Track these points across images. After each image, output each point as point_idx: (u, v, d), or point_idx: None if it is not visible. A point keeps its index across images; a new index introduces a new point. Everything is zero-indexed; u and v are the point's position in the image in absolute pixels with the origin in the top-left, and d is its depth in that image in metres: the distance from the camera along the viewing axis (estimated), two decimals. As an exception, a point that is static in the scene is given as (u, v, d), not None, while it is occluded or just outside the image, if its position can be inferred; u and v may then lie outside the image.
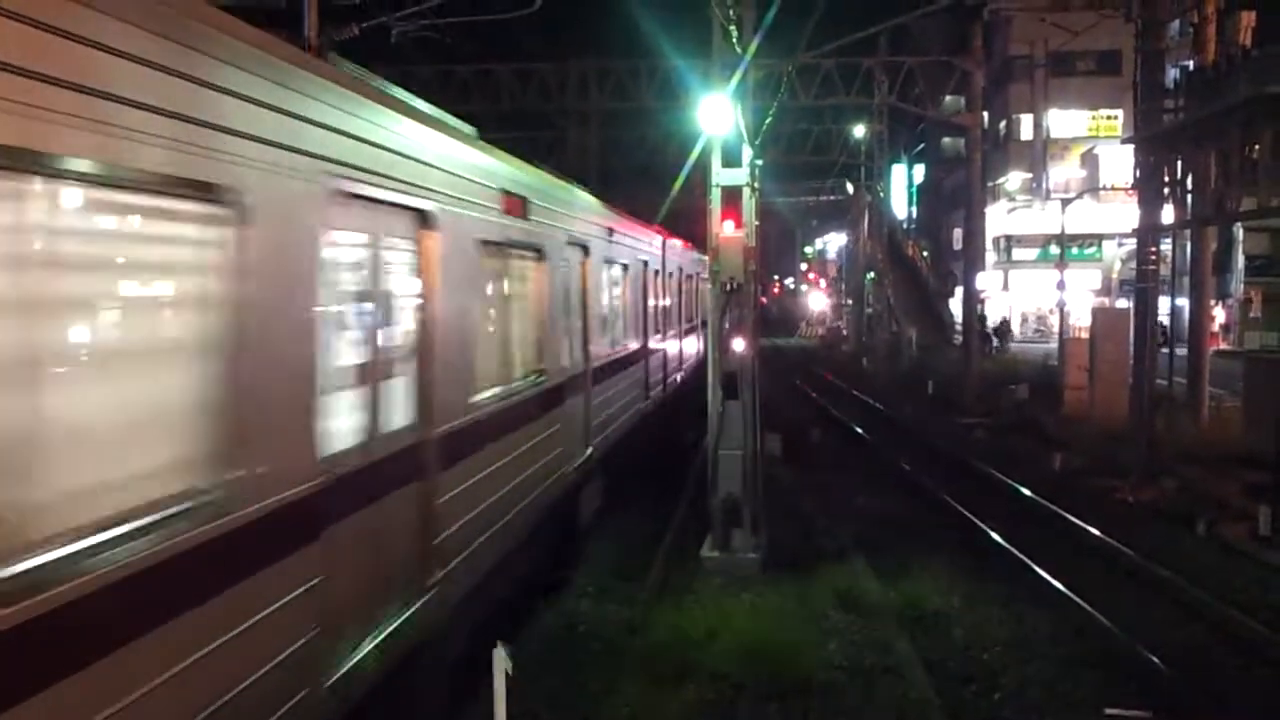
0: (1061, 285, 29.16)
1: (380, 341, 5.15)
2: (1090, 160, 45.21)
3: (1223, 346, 32.01)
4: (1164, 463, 15.25)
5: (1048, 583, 10.21)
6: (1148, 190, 17.18)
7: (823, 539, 11.73)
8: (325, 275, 4.42)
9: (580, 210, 10.30)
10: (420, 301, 5.67)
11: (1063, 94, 46.40)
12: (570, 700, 7.09)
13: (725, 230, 10.48)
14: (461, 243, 6.28)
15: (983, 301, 34.22)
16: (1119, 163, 37.54)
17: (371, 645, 4.82)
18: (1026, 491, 14.53)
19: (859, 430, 21.75)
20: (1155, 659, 8.13)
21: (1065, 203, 31.60)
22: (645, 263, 14.41)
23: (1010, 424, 21.68)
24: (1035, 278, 46.16)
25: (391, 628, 5.04)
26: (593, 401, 10.48)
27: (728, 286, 10.54)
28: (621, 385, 12.55)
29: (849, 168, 46.25)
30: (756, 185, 10.80)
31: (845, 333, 53.57)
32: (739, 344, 10.69)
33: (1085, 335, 23.54)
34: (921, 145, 61.87)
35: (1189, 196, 17.23)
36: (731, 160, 10.59)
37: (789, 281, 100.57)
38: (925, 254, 54.04)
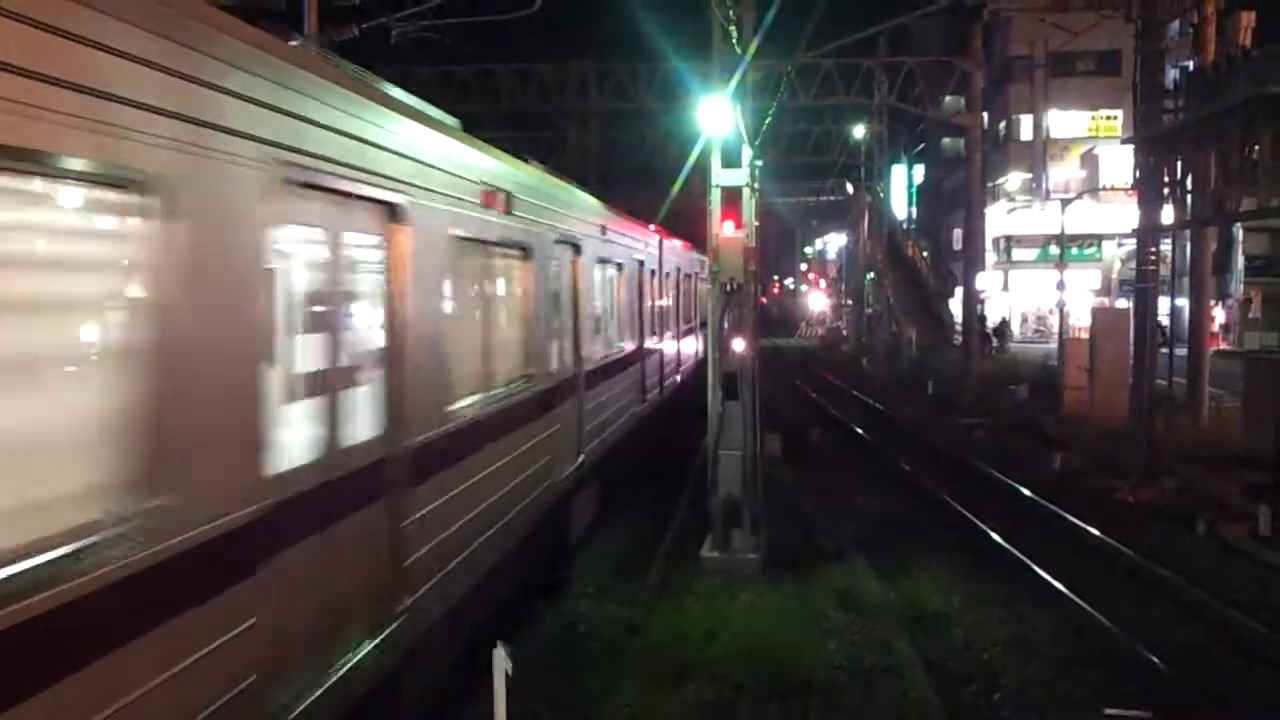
0: (1061, 285, 29.17)
1: (341, 347, 4.73)
2: (1090, 160, 45.23)
3: (1222, 347, 32.01)
4: (1164, 463, 15.25)
5: (1048, 583, 10.21)
6: (1147, 190, 17.19)
7: (823, 539, 11.73)
8: (274, 273, 3.99)
9: (571, 207, 9.90)
10: (389, 303, 5.22)
11: (1062, 94, 46.41)
12: (570, 700, 7.09)
13: (725, 231, 10.49)
14: (436, 239, 5.86)
15: (982, 302, 34.23)
16: (1119, 163, 37.56)
17: (326, 686, 4.32)
18: (1026, 492, 14.53)
19: (859, 430, 21.75)
20: (1155, 659, 8.12)
21: (1065, 203, 31.62)
22: (641, 262, 14.13)
23: (1010, 424, 21.68)
24: (1035, 278, 46.18)
25: (352, 663, 4.55)
26: (585, 406, 10.10)
27: (728, 287, 10.54)
28: (617, 388, 12.18)
29: (849, 168, 46.27)
30: (756, 186, 10.80)
31: (845, 333, 53.58)
32: (739, 344, 10.69)
33: (1085, 335, 23.54)
34: (921, 145, 61.88)
35: (1189, 197, 17.23)
36: (731, 161, 10.59)
37: (789, 282, 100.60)
38: (925, 254, 54.06)
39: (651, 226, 15.77)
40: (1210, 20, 18.60)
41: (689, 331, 20.58)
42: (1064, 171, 46.37)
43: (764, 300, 58.14)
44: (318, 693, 4.24)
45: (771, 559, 10.41)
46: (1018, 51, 45.71)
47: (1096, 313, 23.95)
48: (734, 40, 10.40)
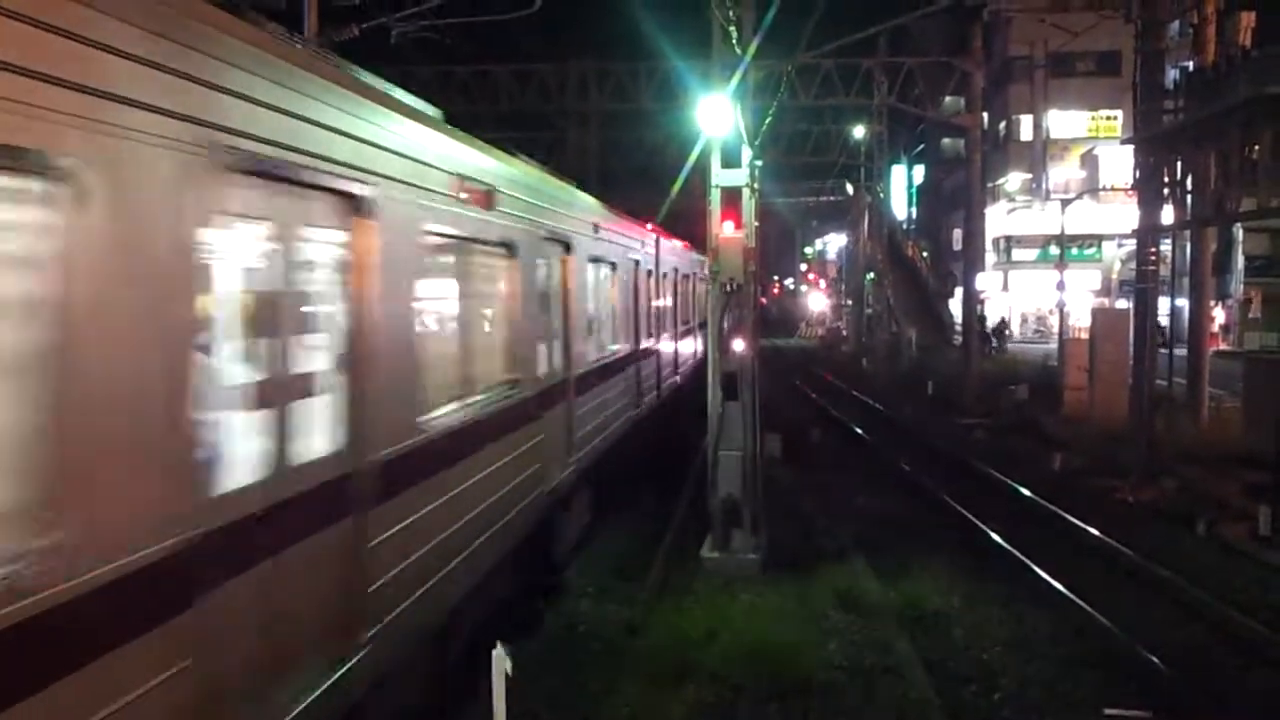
0: (1061, 286, 29.19)
1: (295, 353, 4.29)
2: (1090, 161, 45.24)
3: (1222, 347, 32.02)
4: (1164, 463, 15.26)
5: (1047, 583, 10.21)
6: (1147, 191, 17.19)
7: (823, 539, 11.73)
8: (210, 271, 3.56)
9: (560, 204, 9.46)
10: (353, 304, 4.77)
11: (1062, 95, 46.43)
12: (570, 700, 7.09)
13: (725, 231, 10.49)
14: (408, 235, 5.44)
15: (982, 302, 34.25)
16: (1119, 163, 37.56)
17: None
18: (1026, 492, 14.53)
19: (859, 431, 21.75)
20: (1155, 659, 8.12)
21: (1065, 203, 31.62)
22: (637, 262, 13.85)
23: (1010, 424, 21.68)
24: (1035, 278, 46.20)
25: (307, 702, 4.12)
26: (576, 412, 9.69)
27: (727, 287, 10.54)
28: (611, 392, 11.79)
29: (849, 168, 46.29)
30: (756, 186, 10.80)
31: (845, 333, 53.59)
32: (739, 344, 10.69)
33: (1085, 336, 23.56)
34: (921, 146, 61.91)
35: (1189, 197, 17.23)
36: (731, 161, 10.59)
37: (789, 282, 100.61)
38: (925, 254, 54.08)
39: (649, 226, 15.63)
40: (1210, 20, 18.61)
41: (688, 333, 20.42)
42: (1064, 172, 46.39)
43: (764, 300, 58.18)
44: None
45: (771, 559, 10.40)
46: (1018, 52, 45.74)
47: (1096, 313, 23.96)
48: (734, 40, 10.40)
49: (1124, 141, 23.82)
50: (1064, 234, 30.92)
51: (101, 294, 2.99)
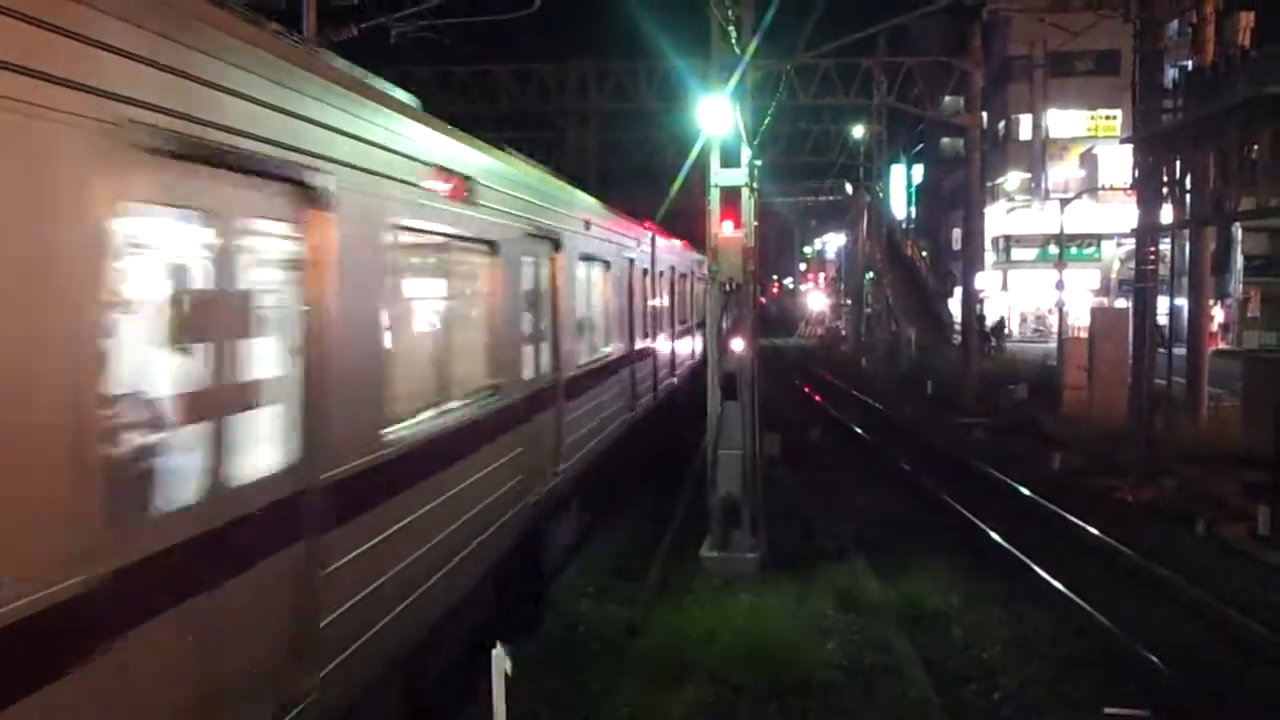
0: (1060, 285, 29.20)
1: (233, 359, 3.82)
2: (1089, 160, 45.25)
3: (1221, 346, 32.03)
4: (1163, 462, 15.26)
5: (1047, 582, 10.22)
6: (1146, 190, 17.19)
7: (822, 539, 11.73)
8: (121, 264, 3.12)
9: (549, 199, 8.99)
10: (306, 305, 4.31)
11: (1061, 94, 46.45)
12: (570, 700, 7.10)
13: (724, 230, 10.49)
14: (372, 229, 4.98)
15: (982, 302, 34.26)
16: (1118, 163, 37.58)
17: None
18: (1026, 491, 14.54)
19: (858, 430, 21.75)
20: (1154, 658, 8.13)
21: (1064, 203, 31.64)
22: (632, 260, 13.54)
23: (1009, 424, 21.69)
24: (1034, 278, 46.22)
25: None
26: (565, 417, 9.18)
27: (727, 287, 10.54)
28: (604, 395, 11.35)
29: (848, 168, 46.28)
30: (755, 185, 10.81)
31: (844, 333, 53.61)
32: (738, 344, 10.69)
33: (1084, 335, 23.57)
34: (920, 145, 61.92)
35: (1188, 196, 17.24)
36: (730, 160, 10.60)
37: (788, 281, 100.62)
38: (924, 254, 54.07)
39: (644, 223, 15.43)
40: (1209, 20, 18.62)
41: (686, 333, 20.26)
42: (1063, 171, 46.41)
43: (763, 300, 58.15)
44: None
45: (771, 559, 10.41)
46: (1017, 51, 45.74)
47: (1095, 312, 23.97)
48: (733, 40, 10.40)
49: (1123, 141, 23.83)
50: (1063, 233, 30.94)
51: None
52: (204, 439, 3.64)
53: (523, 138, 31.16)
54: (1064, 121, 47.28)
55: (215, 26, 3.69)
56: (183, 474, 3.54)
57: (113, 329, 3.09)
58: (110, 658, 2.98)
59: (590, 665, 7.76)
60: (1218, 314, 33.91)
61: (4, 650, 2.61)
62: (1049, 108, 46.96)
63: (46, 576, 2.75)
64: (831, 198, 57.28)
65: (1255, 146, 15.58)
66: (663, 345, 16.78)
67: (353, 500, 4.65)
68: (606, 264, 11.71)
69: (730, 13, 10.36)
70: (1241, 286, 36.87)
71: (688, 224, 17.18)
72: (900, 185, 61.07)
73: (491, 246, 7.09)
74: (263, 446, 4.07)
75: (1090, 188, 40.49)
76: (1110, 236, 43.11)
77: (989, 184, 41.30)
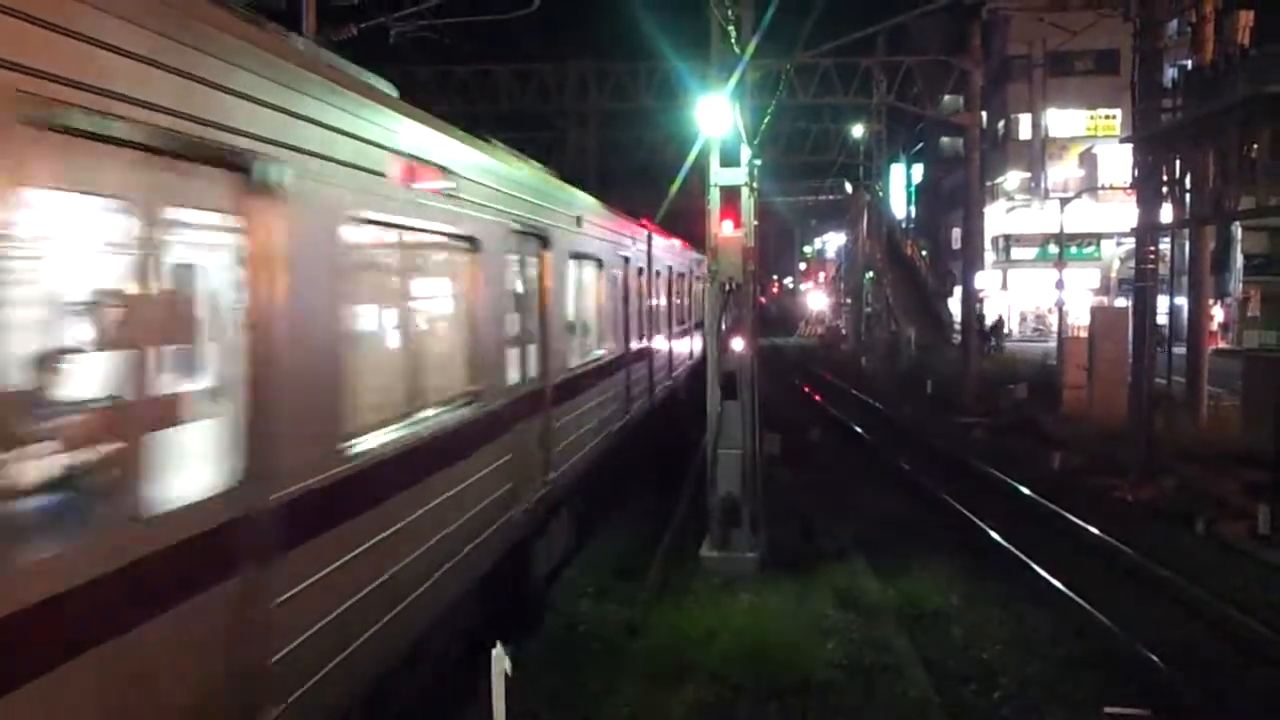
0: (1060, 284, 29.20)
1: (154, 369, 3.37)
2: (1089, 159, 45.26)
3: (1221, 345, 32.04)
4: (1163, 461, 15.27)
5: (1047, 581, 10.22)
6: (1146, 189, 17.20)
7: (822, 538, 11.72)
8: (14, 259, 2.76)
9: (536, 194, 8.51)
10: (252, 306, 3.86)
11: (1061, 93, 46.47)
12: (570, 700, 7.09)
13: (724, 230, 10.49)
14: (331, 222, 4.52)
15: (981, 301, 34.26)
16: (1117, 162, 37.60)
17: None
18: (1025, 490, 14.54)
19: (858, 430, 21.75)
20: (1155, 658, 8.13)
21: (1064, 202, 31.64)
22: (627, 259, 13.12)
23: (1009, 423, 21.69)
24: (1034, 277, 46.25)
25: None
26: (554, 423, 8.73)
27: (727, 286, 10.54)
28: (596, 399, 10.88)
29: (848, 167, 46.28)
30: (755, 185, 10.81)
31: (844, 332, 53.63)
32: (738, 343, 10.69)
33: (1084, 334, 23.57)
34: (920, 145, 61.91)
35: (1187, 195, 17.24)
36: (730, 160, 10.59)
37: (788, 281, 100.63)
38: (924, 253, 54.07)
39: (641, 221, 15.18)
40: (1208, 19, 18.63)
41: (684, 334, 20.05)
42: (1063, 170, 46.43)
43: (763, 300, 58.17)
44: None
45: (770, 558, 10.41)
46: (1016, 50, 45.77)
47: (1095, 311, 23.97)
48: (732, 40, 10.41)
49: (1123, 140, 23.83)
50: (1063, 233, 30.94)
51: None
52: (124, 459, 3.21)
53: (523, 138, 31.08)
54: (1063, 121, 47.31)
55: None
56: (91, 501, 3.12)
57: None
58: (12, 703, 2.65)
59: (590, 665, 7.76)
60: (1217, 313, 33.91)
61: None
62: (1048, 107, 46.98)
63: None
64: (831, 197, 57.26)
65: (1255, 145, 15.58)
66: (660, 347, 16.45)
67: (308, 522, 4.23)
68: (599, 263, 11.34)
69: (730, 12, 10.36)
70: (1241, 285, 36.88)
71: (688, 224, 17.14)
72: (900, 184, 61.07)
73: (472, 243, 6.65)
74: (197, 467, 3.66)
75: (1090, 187, 40.50)
76: (1110, 236, 43.12)
77: (989, 183, 41.31)
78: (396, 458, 5.18)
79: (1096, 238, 45.11)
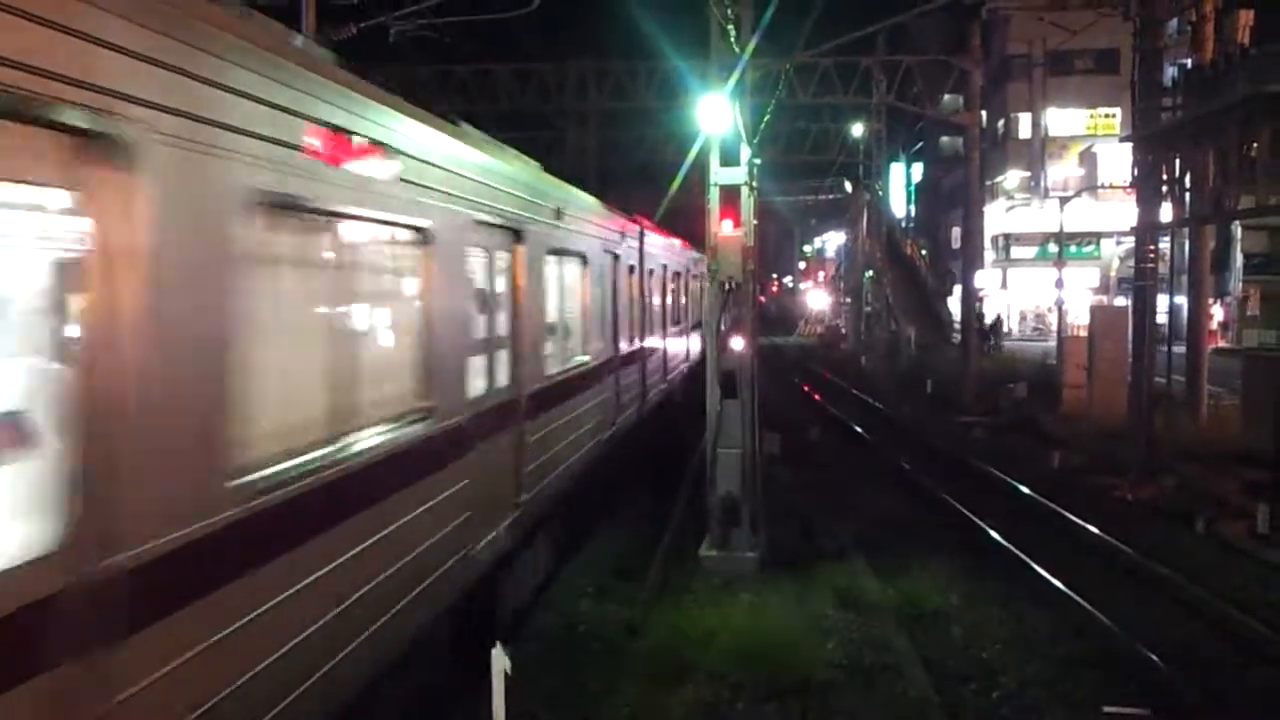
0: (1060, 283, 29.20)
1: None
2: (1088, 159, 45.26)
3: (1221, 344, 32.05)
4: (1163, 461, 15.27)
5: (1047, 581, 10.22)
6: (1146, 188, 17.20)
7: (822, 538, 11.72)
8: None
9: (507, 182, 7.64)
10: (92, 305, 3.06)
11: (1061, 92, 46.47)
12: (570, 700, 7.09)
13: (724, 229, 10.48)
14: (214, 202, 3.66)
15: (981, 300, 34.27)
16: (1117, 161, 37.59)
17: None
18: (1025, 490, 14.54)
19: (858, 429, 21.75)
20: (1154, 657, 8.13)
21: (1063, 201, 31.63)
22: (616, 256, 12.41)
23: (1009, 422, 21.69)
24: (1034, 276, 46.25)
25: None
26: (529, 438, 7.90)
27: (726, 286, 10.54)
28: (581, 408, 10.10)
29: (847, 166, 46.26)
30: (755, 184, 10.81)
31: (844, 331, 53.63)
32: (737, 343, 10.68)
33: (1084, 333, 23.58)
34: (920, 144, 61.91)
35: (1187, 195, 17.24)
36: (730, 159, 10.59)
37: (787, 280, 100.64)
38: (924, 253, 54.06)
39: (636, 218, 14.73)
40: (1208, 18, 18.62)
41: (680, 335, 19.66)
42: (1062, 170, 46.44)
43: (762, 299, 58.17)
44: None
45: (770, 558, 10.40)
46: (1016, 50, 45.77)
47: (1095, 311, 23.99)
48: (732, 39, 10.40)
49: (1122, 139, 23.83)
50: (1062, 232, 30.93)
51: None
52: None
53: (522, 137, 31.09)
54: (1063, 120, 47.31)
55: None
56: None
57: None
58: None
59: (590, 665, 7.75)
60: (1217, 312, 33.92)
61: None
62: (1048, 106, 46.98)
63: None
64: (831, 196, 57.31)
65: (1255, 145, 15.57)
66: (653, 349, 15.81)
67: (169, 589, 3.35)
68: (583, 260, 10.60)
69: (730, 12, 10.35)
70: (1241, 285, 36.88)
71: (687, 223, 17.09)
72: (900, 184, 61.06)
73: (424, 235, 5.77)
74: (16, 516, 2.87)
75: (1089, 186, 40.50)
76: (1110, 235, 43.11)
77: (988, 182, 41.29)
78: (310, 494, 4.26)
79: (1096, 237, 45.11)
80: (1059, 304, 29.12)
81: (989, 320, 39.47)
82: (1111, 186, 38.36)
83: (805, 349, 52.66)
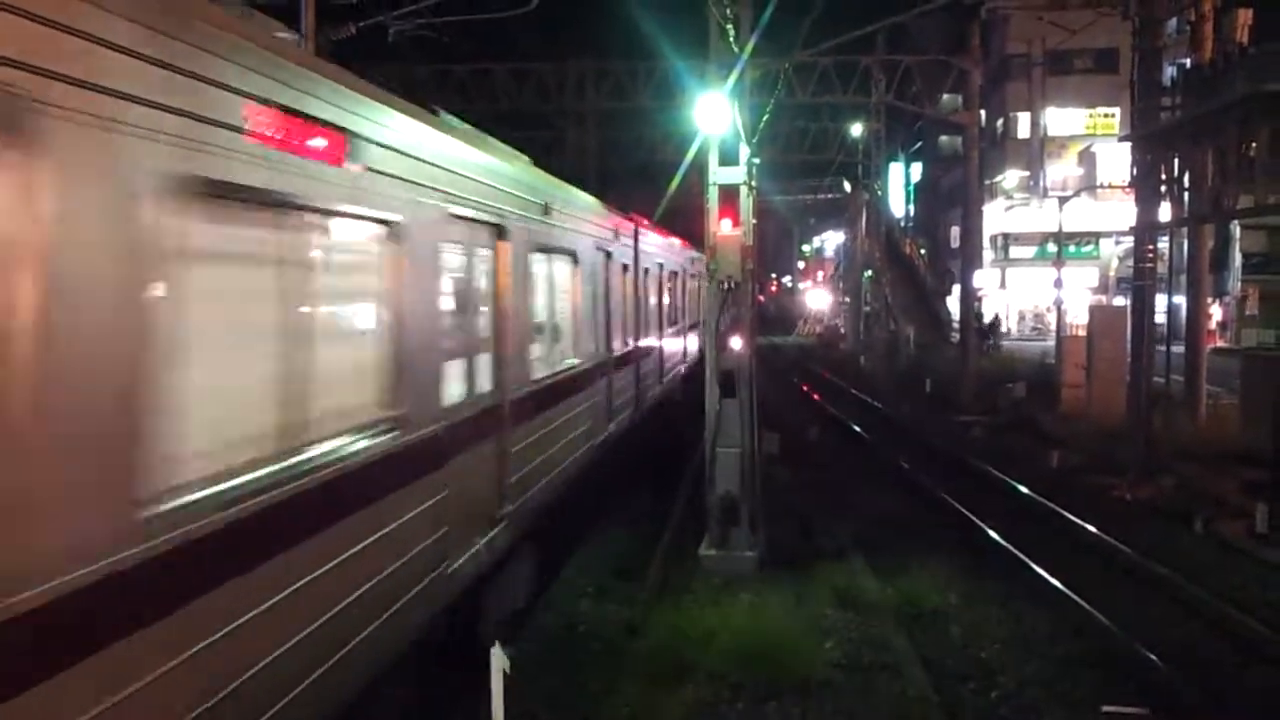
0: (1059, 283, 29.22)
1: None
2: (1087, 158, 45.30)
3: (1220, 344, 32.08)
4: (1161, 460, 15.27)
5: (1046, 581, 10.22)
6: (1145, 188, 17.21)
7: (821, 537, 11.72)
8: None
9: (487, 173, 7.14)
10: None
11: (1060, 92, 46.49)
12: (570, 700, 7.09)
13: (723, 229, 10.49)
14: (133, 192, 3.22)
15: (980, 300, 34.29)
16: (1116, 161, 37.65)
17: None
18: (1024, 489, 14.55)
19: (857, 429, 21.75)
20: (1153, 656, 8.14)
21: (1062, 201, 31.62)
22: (609, 254, 12.04)
23: (1008, 422, 21.70)
24: (1032, 275, 46.31)
25: None
26: (512, 447, 7.49)
27: (725, 285, 10.54)
28: (570, 413, 9.68)
29: (846, 166, 46.29)
30: (754, 183, 10.81)
31: (843, 331, 53.66)
32: (736, 342, 10.69)
33: (1082, 333, 23.60)
34: (919, 143, 61.95)
35: (1186, 194, 17.26)
36: (729, 159, 10.59)
37: (786, 280, 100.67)
38: (923, 252, 54.07)
39: (633, 216, 14.43)
40: (1207, 18, 18.64)
41: (677, 336, 19.45)
42: (1061, 169, 46.48)
43: (761, 298, 58.17)
44: None
45: (770, 557, 10.41)
46: (1015, 49, 45.80)
47: (1094, 310, 24.01)
48: (731, 39, 10.40)
49: (1121, 139, 23.84)
50: (1061, 231, 30.93)
51: None
52: None
53: (521, 137, 31.08)
54: (1062, 119, 47.34)
55: None
56: None
57: None
58: None
59: (590, 665, 7.75)
60: (1216, 312, 33.97)
61: None
62: (1047, 106, 47.01)
63: None
64: (830, 196, 57.31)
65: (1253, 144, 15.59)
66: (648, 351, 15.50)
67: (57, 645, 2.84)
68: (574, 258, 10.19)
69: (729, 11, 10.35)
70: (1240, 284, 36.93)
71: (686, 222, 17.05)
72: (899, 183, 61.11)
73: (392, 229, 5.31)
74: None
75: (1088, 185, 40.54)
76: (1108, 234, 43.15)
77: (987, 182, 41.35)
78: (246, 522, 3.78)
79: (1095, 236, 45.15)
80: (1058, 303, 29.14)
81: (988, 320, 39.50)
82: (1110, 186, 38.41)
83: (804, 349, 52.67)
